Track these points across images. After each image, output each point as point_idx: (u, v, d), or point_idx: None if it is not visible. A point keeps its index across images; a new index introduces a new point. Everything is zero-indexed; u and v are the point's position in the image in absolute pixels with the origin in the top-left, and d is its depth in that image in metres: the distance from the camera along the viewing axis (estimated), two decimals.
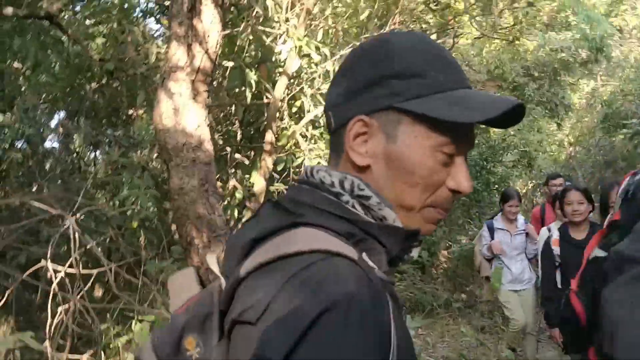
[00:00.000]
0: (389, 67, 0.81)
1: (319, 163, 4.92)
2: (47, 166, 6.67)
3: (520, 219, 5.34)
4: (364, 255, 0.72)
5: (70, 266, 3.51)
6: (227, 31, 4.46)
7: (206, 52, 3.43)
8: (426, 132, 0.80)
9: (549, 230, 4.28)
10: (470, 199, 10.44)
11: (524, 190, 14.96)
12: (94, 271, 3.57)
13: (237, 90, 5.31)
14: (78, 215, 3.66)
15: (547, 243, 4.12)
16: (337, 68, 0.93)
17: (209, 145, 3.47)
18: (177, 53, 3.35)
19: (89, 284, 3.66)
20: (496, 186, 10.70)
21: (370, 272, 0.69)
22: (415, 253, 0.87)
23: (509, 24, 9.74)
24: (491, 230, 5.36)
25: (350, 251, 0.70)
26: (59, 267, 3.46)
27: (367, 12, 5.27)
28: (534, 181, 14.81)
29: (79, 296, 3.40)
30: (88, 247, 3.56)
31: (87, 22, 6.00)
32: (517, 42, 9.93)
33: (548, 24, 9.65)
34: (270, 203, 0.84)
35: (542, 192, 11.61)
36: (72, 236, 3.40)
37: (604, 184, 3.29)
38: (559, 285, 3.95)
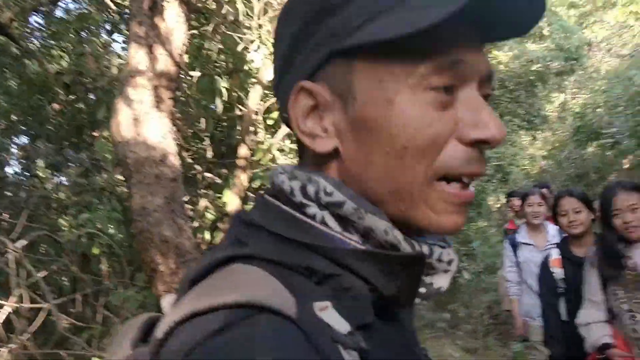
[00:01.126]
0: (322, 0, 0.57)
1: None
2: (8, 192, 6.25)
3: (551, 227, 4.06)
4: (318, 306, 0.48)
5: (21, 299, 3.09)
6: (194, 31, 4.12)
7: (170, 54, 3.06)
8: (393, 69, 0.54)
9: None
10: None
11: (498, 205, 14.90)
12: (43, 305, 3.10)
13: (206, 102, 4.96)
14: (23, 241, 3.19)
15: (545, 265, 3.29)
16: None
17: (174, 160, 3.09)
18: (137, 56, 2.97)
19: (39, 321, 3.20)
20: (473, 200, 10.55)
21: (320, 336, 0.45)
22: (442, 281, 0.59)
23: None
24: (514, 247, 4.22)
25: (288, 303, 0.46)
26: (3, 302, 3.01)
27: None
28: (506, 197, 14.75)
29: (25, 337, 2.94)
30: (33, 278, 3.10)
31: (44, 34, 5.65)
32: (490, 54, 9.83)
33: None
34: (237, 220, 0.60)
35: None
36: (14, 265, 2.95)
37: (605, 188, 2.88)
38: (565, 318, 3.07)
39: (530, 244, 4.08)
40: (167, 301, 0.62)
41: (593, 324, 2.61)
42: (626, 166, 11.20)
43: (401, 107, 0.54)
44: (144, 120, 2.94)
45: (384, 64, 0.54)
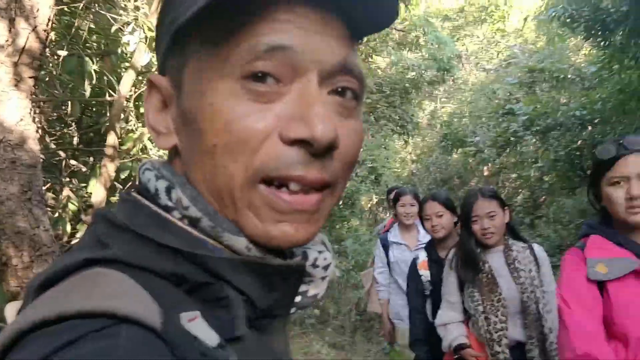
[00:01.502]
0: None
1: None
2: None
3: (422, 228, 3.97)
4: (186, 316, 0.44)
5: None
6: (63, 7, 3.81)
7: (34, 29, 2.78)
8: (210, 57, 0.49)
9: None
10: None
11: (369, 205, 15.45)
12: None
13: (73, 84, 4.62)
14: None
15: (413, 267, 3.29)
16: None
17: (34, 145, 2.82)
18: None
19: None
20: (347, 200, 10.83)
21: (186, 350, 0.41)
22: (318, 289, 0.56)
23: (363, 40, 9.91)
24: (385, 247, 4.16)
25: (152, 313, 0.41)
26: None
27: None
28: (378, 197, 15.36)
29: None
30: None
31: None
32: (370, 59, 10.13)
33: (400, 43, 9.95)
34: (99, 218, 0.53)
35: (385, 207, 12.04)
36: None
37: (466, 195, 2.99)
38: (432, 319, 3.05)
39: (402, 244, 4.08)
40: (11, 309, 0.54)
41: (450, 325, 2.70)
42: (486, 173, 12.09)
43: (211, 99, 0.48)
44: (1, 100, 2.66)
45: (206, 52, 0.49)
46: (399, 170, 17.22)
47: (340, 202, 10.89)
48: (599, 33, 5.54)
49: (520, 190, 10.34)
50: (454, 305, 2.72)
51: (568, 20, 5.66)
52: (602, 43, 5.95)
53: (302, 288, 0.54)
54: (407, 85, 9.67)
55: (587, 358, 1.55)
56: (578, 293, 1.67)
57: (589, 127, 6.42)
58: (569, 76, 8.14)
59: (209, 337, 0.43)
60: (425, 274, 3.21)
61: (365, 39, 10.08)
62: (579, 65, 8.47)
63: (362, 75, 0.53)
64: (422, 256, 3.28)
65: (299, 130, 0.47)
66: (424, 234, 3.91)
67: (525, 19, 11.78)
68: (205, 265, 0.48)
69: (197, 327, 0.44)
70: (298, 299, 0.54)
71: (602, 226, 1.79)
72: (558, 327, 1.75)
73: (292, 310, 0.55)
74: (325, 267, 0.56)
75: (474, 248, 2.63)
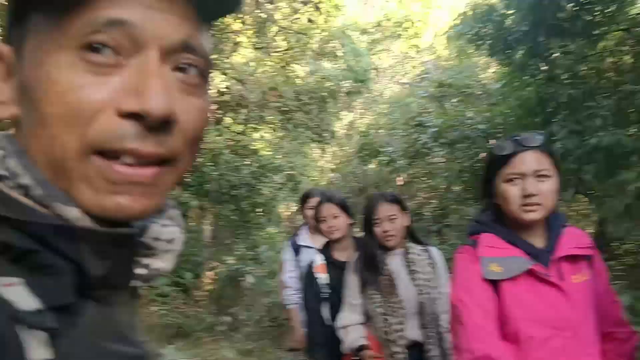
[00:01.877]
0: None
1: None
2: None
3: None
4: (1, 281, 0.43)
5: None
6: None
7: None
8: (49, 27, 0.50)
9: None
10: (237, 219, 10.36)
11: (288, 213, 15.46)
12: None
13: None
14: None
15: (309, 271, 3.20)
16: None
17: None
18: None
19: None
20: (264, 207, 10.80)
21: None
22: (162, 262, 0.56)
23: (283, 49, 9.96)
24: (296, 250, 3.93)
25: None
26: None
27: None
28: (296, 205, 15.36)
29: None
30: None
31: None
32: (289, 67, 10.17)
33: (318, 52, 10.07)
34: None
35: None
36: None
37: (368, 198, 2.98)
38: (329, 322, 2.98)
39: (311, 247, 3.79)
40: None
41: (350, 327, 2.71)
42: (400, 183, 12.42)
43: (48, 70, 0.48)
44: None
45: (46, 23, 0.50)
46: (318, 179, 17.35)
47: (257, 209, 10.81)
48: (502, 51, 5.85)
49: (431, 199, 10.71)
50: (356, 307, 2.72)
51: (474, 37, 5.94)
52: (504, 61, 6.29)
53: (146, 261, 0.55)
54: (324, 94, 9.79)
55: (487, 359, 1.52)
56: (474, 292, 1.63)
57: (491, 140, 6.76)
58: (476, 92, 8.55)
59: (26, 302, 0.44)
60: (322, 277, 3.13)
61: (284, 47, 10.12)
62: (486, 82, 8.92)
63: (207, 55, 0.55)
64: (319, 259, 3.19)
65: (132, 103, 0.48)
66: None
67: (435, 36, 12.27)
68: (32, 233, 0.48)
69: (14, 292, 0.44)
70: (142, 271, 0.55)
71: (494, 224, 1.75)
72: (451, 326, 1.71)
73: (136, 282, 0.55)
74: (170, 241, 0.57)
75: (376, 250, 2.68)
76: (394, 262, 2.69)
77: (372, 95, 14.64)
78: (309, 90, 10.01)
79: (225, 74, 9.18)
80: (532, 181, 1.61)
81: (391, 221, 2.66)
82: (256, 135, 10.97)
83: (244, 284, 9.18)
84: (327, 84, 9.99)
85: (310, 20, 8.02)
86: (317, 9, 5.16)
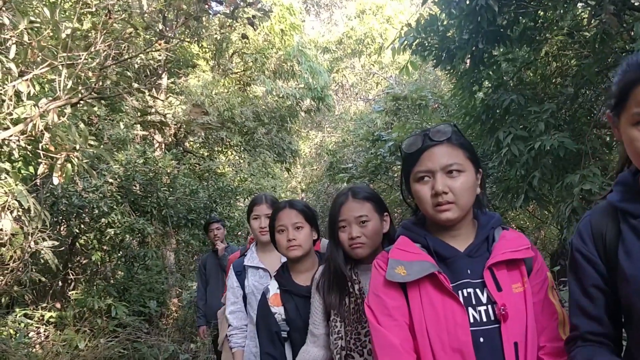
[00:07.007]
0: None
1: (5, 201, 4.15)
2: None
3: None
4: None
5: None
6: None
7: None
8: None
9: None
10: (204, 244, 10.23)
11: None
12: None
13: None
14: None
15: (262, 305, 2.38)
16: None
17: None
18: None
19: None
20: (230, 230, 10.68)
21: None
22: None
23: (240, 70, 9.92)
24: (241, 276, 3.06)
25: None
26: None
27: (70, 31, 4.66)
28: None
29: None
30: None
31: None
32: (247, 87, 10.14)
33: (275, 72, 10.05)
34: None
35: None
36: None
37: (337, 195, 2.27)
38: None
39: (260, 268, 3.02)
40: None
41: None
42: None
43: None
44: None
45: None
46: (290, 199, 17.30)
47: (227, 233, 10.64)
48: (447, 61, 5.82)
49: (395, 211, 10.64)
50: (319, 339, 2.11)
51: (419, 48, 5.90)
52: (450, 71, 6.27)
53: None
54: (283, 113, 9.73)
55: None
56: (381, 299, 1.50)
57: None
58: (432, 104, 8.55)
59: None
60: (279, 310, 2.33)
61: (242, 68, 10.09)
62: (441, 93, 8.95)
63: None
64: (273, 288, 2.39)
65: None
66: None
67: (381, 48, 12.28)
68: None
69: None
70: None
71: (414, 226, 1.60)
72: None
73: None
74: None
75: (342, 263, 2.04)
76: (368, 280, 1.79)
77: (339, 114, 14.67)
78: (268, 109, 9.97)
79: (180, 95, 9.11)
80: (442, 178, 1.46)
81: (361, 225, 2.00)
82: (220, 157, 10.87)
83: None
84: (286, 102, 9.96)
85: (245, 36, 7.91)
86: (252, 24, 5.09)
